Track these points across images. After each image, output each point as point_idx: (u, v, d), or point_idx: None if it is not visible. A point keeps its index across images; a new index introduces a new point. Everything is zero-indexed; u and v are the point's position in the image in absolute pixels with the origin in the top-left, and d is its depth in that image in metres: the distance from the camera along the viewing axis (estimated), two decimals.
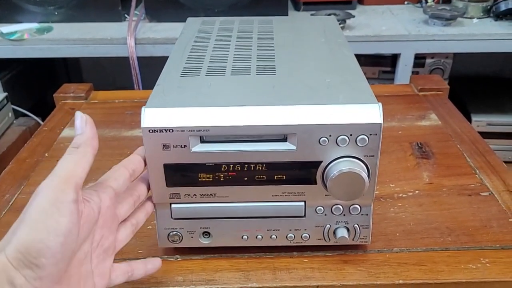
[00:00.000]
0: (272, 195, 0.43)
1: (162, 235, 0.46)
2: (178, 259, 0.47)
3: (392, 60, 1.25)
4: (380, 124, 0.39)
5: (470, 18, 1.21)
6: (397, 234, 0.49)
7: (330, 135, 0.40)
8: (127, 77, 1.17)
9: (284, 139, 0.41)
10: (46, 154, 0.65)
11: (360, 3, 1.35)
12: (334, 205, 0.44)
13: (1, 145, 0.97)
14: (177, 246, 0.46)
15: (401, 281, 0.43)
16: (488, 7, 1.20)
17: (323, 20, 0.65)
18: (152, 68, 1.10)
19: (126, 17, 1.21)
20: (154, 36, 1.12)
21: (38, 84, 1.40)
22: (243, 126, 0.40)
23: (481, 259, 0.45)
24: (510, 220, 0.50)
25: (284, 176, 0.42)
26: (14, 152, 0.70)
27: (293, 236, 0.45)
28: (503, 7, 1.14)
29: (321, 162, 0.41)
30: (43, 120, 0.81)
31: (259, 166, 0.42)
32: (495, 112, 1.30)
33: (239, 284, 0.44)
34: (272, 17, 0.65)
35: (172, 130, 0.40)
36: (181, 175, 0.42)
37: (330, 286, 0.43)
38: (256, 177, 0.42)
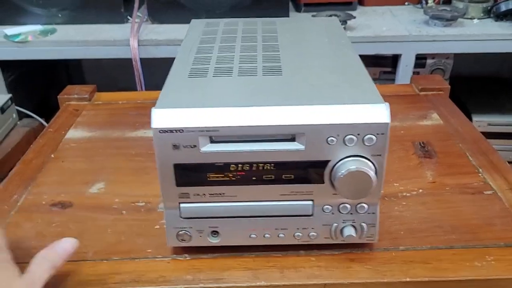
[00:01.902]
0: (280, 194, 0.44)
1: (171, 235, 0.46)
2: (187, 258, 0.47)
3: (392, 60, 1.26)
4: (388, 123, 0.40)
5: (470, 18, 1.21)
6: (402, 232, 0.50)
7: (338, 135, 0.40)
8: (128, 78, 1.18)
9: (292, 139, 0.41)
10: (52, 155, 0.66)
11: (361, 4, 1.36)
12: (341, 203, 0.44)
13: (5, 146, 0.98)
14: (186, 245, 0.46)
15: (407, 279, 0.44)
16: (489, 7, 1.21)
17: (325, 21, 0.66)
18: (153, 69, 1.11)
19: (128, 19, 1.22)
20: (157, 38, 1.13)
21: (41, 85, 1.42)
22: (252, 126, 0.40)
23: (486, 256, 0.46)
24: None
25: (292, 176, 0.43)
26: (18, 153, 0.71)
27: (300, 234, 0.46)
28: (503, 7, 1.14)
29: (329, 161, 0.42)
30: (46, 121, 0.82)
31: (268, 165, 0.42)
32: (495, 112, 1.30)
33: (248, 282, 0.44)
34: (276, 18, 0.66)
35: (182, 131, 0.40)
36: (191, 175, 0.43)
37: (338, 284, 0.44)
38: (264, 176, 0.43)
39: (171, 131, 0.40)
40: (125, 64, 1.14)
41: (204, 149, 0.41)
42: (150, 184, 0.59)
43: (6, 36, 1.14)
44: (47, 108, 1.07)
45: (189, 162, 0.42)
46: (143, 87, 1.12)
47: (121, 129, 0.72)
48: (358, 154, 0.41)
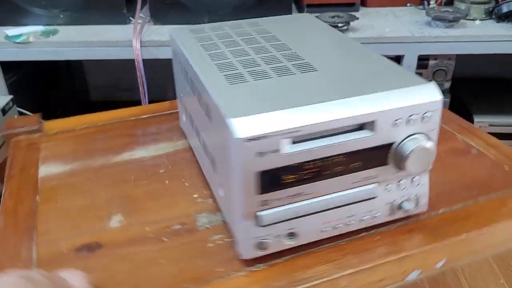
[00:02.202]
0: (352, 183, 0.45)
1: (248, 246, 0.44)
2: (263, 267, 0.46)
3: (395, 61, 1.28)
4: (442, 99, 0.44)
5: (472, 20, 1.22)
6: (434, 198, 0.55)
7: (403, 117, 0.44)
8: (130, 79, 1.16)
9: (360, 127, 0.43)
10: (37, 199, 0.57)
11: (363, 5, 1.37)
12: (399, 180, 0.48)
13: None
14: (265, 253, 0.45)
15: (463, 237, 0.49)
16: (490, 9, 1.23)
17: (306, 18, 0.68)
18: (156, 70, 1.10)
19: (131, 20, 1.19)
20: (159, 39, 1.11)
21: (42, 87, 1.34)
22: (331, 121, 0.41)
23: (506, 202, 0.54)
24: (506, 168, 0.60)
25: (361, 163, 0.45)
26: None
27: (368, 217, 0.48)
28: (505, 9, 1.17)
29: (393, 143, 0.45)
30: None
31: (341, 157, 0.44)
32: (497, 113, 1.32)
33: (337, 273, 0.45)
34: (258, 19, 0.66)
35: (266, 136, 0.40)
36: (272, 180, 0.42)
37: (414, 254, 0.47)
38: (336, 168, 0.44)
39: (255, 138, 0.39)
40: (127, 65, 1.12)
41: (285, 151, 0.41)
42: (171, 205, 0.55)
43: (7, 36, 1.13)
44: (49, 109, 0.99)
45: (271, 168, 0.41)
46: (145, 88, 1.10)
47: (100, 155, 0.66)
48: (419, 132, 0.45)
